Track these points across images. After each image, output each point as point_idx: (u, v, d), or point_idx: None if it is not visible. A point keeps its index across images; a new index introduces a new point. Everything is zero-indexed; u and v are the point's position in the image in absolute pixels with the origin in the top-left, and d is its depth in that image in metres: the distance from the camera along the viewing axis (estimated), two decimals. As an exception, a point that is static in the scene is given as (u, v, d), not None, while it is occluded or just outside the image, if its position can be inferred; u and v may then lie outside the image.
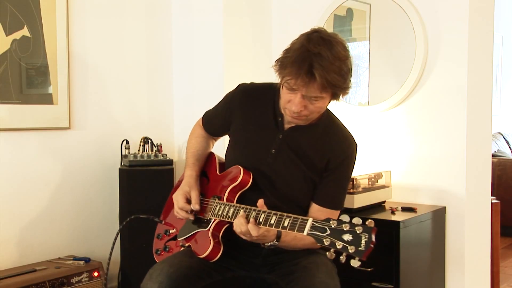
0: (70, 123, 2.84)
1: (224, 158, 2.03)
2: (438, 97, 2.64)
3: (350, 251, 1.39)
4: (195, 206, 1.87)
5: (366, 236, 1.39)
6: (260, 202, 1.67)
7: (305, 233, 1.49)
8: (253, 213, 1.65)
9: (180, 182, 2.03)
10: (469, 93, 2.56)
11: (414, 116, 2.72)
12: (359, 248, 1.38)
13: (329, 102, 1.77)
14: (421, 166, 2.69)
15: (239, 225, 1.65)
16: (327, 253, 1.46)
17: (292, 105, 1.71)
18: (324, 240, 1.44)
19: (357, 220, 1.42)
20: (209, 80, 3.08)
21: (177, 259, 1.81)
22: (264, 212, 1.63)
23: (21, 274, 2.46)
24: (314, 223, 1.48)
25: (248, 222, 1.64)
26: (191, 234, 1.88)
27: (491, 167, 2.82)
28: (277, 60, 1.71)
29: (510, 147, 5.93)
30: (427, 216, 2.49)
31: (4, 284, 2.35)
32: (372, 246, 1.39)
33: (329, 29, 2.99)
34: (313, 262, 1.78)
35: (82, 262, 2.64)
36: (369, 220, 1.42)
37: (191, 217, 1.89)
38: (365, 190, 2.48)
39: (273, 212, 1.61)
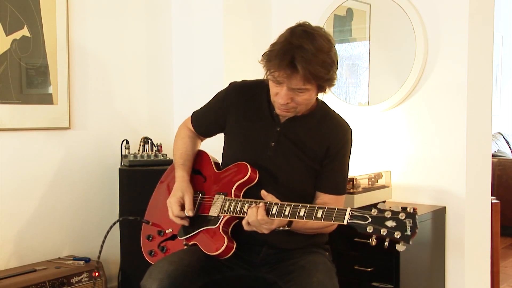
0: (70, 123, 2.84)
1: (217, 157, 2.03)
2: (438, 97, 2.64)
3: (396, 237, 1.46)
4: (189, 212, 1.88)
5: (411, 222, 1.46)
6: (263, 192, 1.72)
7: (345, 222, 1.55)
8: (275, 206, 1.68)
9: (165, 178, 2.08)
10: (469, 93, 2.56)
11: (414, 116, 2.72)
12: (405, 233, 1.45)
13: (316, 94, 1.80)
14: (421, 166, 2.69)
15: (252, 215, 1.68)
16: (369, 240, 1.50)
17: (279, 97, 1.75)
18: (367, 228, 1.50)
19: (396, 208, 1.49)
20: (209, 80, 3.08)
21: (177, 257, 1.80)
22: (289, 205, 1.66)
23: (21, 274, 2.46)
24: (354, 212, 1.54)
25: (267, 215, 1.67)
26: (195, 232, 1.88)
27: (491, 167, 2.82)
28: (263, 54, 1.75)
29: (510, 147, 5.93)
30: (427, 216, 2.49)
31: (4, 284, 2.35)
32: (417, 230, 1.46)
33: (329, 29, 2.99)
34: (311, 261, 1.79)
35: (82, 262, 2.64)
36: (410, 207, 1.47)
37: (186, 223, 1.90)
38: (365, 190, 2.48)
39: (301, 204, 1.65)
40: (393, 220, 1.47)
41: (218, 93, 2.05)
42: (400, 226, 1.46)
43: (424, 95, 2.69)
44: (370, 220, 1.50)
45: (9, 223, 2.63)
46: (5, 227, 2.62)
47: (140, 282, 1.77)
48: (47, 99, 2.75)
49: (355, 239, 2.33)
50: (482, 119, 2.72)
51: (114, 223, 2.20)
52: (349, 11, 3.00)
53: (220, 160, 2.04)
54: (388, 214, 1.48)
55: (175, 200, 1.91)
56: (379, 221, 1.49)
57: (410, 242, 1.46)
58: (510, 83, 6.42)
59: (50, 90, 2.76)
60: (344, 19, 3.02)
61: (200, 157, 2.08)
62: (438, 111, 2.64)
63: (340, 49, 3.07)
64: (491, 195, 2.86)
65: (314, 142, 1.86)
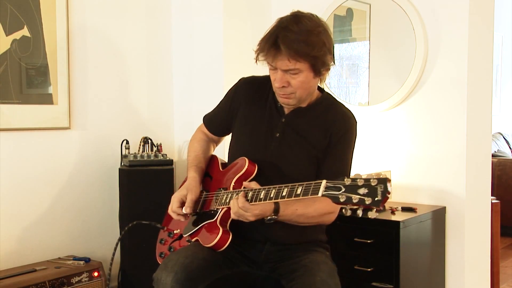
0: (70, 123, 2.84)
1: (226, 159, 2.05)
2: (438, 97, 2.64)
3: (367, 203, 1.43)
4: (186, 209, 1.89)
5: (382, 187, 1.42)
6: (245, 182, 1.76)
7: (320, 194, 1.52)
8: (263, 191, 1.68)
9: (183, 183, 2.05)
10: (469, 93, 2.57)
11: (414, 116, 2.72)
12: (376, 199, 1.42)
13: (313, 77, 1.80)
14: (421, 166, 2.69)
15: (233, 205, 1.69)
16: (343, 210, 1.48)
17: (275, 82, 1.79)
18: (339, 197, 1.47)
19: (370, 175, 1.47)
20: (209, 80, 3.08)
21: (191, 251, 1.81)
22: (274, 187, 1.66)
23: (21, 274, 2.46)
24: (328, 184, 1.52)
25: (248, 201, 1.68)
26: (197, 228, 1.89)
27: (491, 167, 2.82)
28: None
29: (510, 147, 5.93)
30: (427, 216, 2.49)
31: (4, 284, 2.35)
32: (388, 195, 1.42)
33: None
34: (314, 261, 1.79)
35: (82, 262, 2.64)
36: (383, 173, 1.45)
37: (182, 219, 1.92)
38: (365, 190, 2.47)
39: (283, 185, 1.65)
40: (365, 187, 1.44)
41: (228, 90, 2.07)
42: (372, 192, 1.43)
43: (424, 95, 2.69)
44: (343, 189, 1.48)
45: (9, 223, 2.63)
46: (5, 227, 2.62)
47: (153, 274, 1.76)
48: (47, 99, 2.75)
49: (355, 239, 2.34)
50: (482, 119, 2.72)
51: (128, 228, 2.21)
52: (349, 11, 3.00)
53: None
54: (360, 182, 1.46)
55: (178, 196, 1.93)
56: (351, 189, 1.46)
57: (381, 207, 1.42)
58: (510, 83, 6.42)
59: (50, 90, 2.76)
60: (344, 19, 3.02)
61: (211, 161, 2.12)
62: (438, 111, 2.64)
63: (340, 49, 3.07)
64: (491, 195, 2.86)
65: (318, 130, 1.87)
